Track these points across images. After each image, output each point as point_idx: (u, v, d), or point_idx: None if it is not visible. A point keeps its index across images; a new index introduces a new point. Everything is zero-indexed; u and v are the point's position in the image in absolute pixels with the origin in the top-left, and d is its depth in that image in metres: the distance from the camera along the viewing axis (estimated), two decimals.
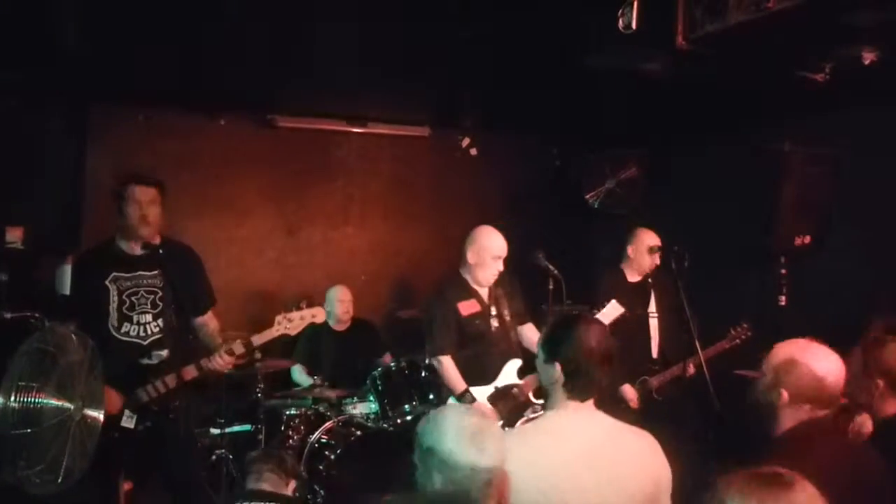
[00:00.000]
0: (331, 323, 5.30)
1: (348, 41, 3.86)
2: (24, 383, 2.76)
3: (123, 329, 3.65)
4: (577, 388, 2.17)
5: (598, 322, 2.31)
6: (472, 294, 4.13)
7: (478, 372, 4.04)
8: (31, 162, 3.96)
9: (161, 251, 3.66)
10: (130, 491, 3.73)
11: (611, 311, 4.07)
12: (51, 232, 4.13)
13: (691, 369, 4.12)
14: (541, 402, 3.99)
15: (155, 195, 3.69)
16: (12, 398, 2.73)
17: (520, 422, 4.00)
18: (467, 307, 4.08)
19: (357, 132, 5.88)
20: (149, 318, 3.70)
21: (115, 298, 3.64)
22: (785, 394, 2.27)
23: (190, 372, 3.55)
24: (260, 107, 5.51)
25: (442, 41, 3.83)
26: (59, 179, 4.11)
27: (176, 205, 5.29)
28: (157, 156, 5.20)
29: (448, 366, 4.01)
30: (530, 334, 4.30)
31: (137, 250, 3.67)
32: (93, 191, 4.70)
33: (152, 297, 3.71)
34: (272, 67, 4.34)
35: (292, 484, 3.13)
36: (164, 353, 3.69)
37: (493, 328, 4.13)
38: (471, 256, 4.08)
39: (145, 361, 3.67)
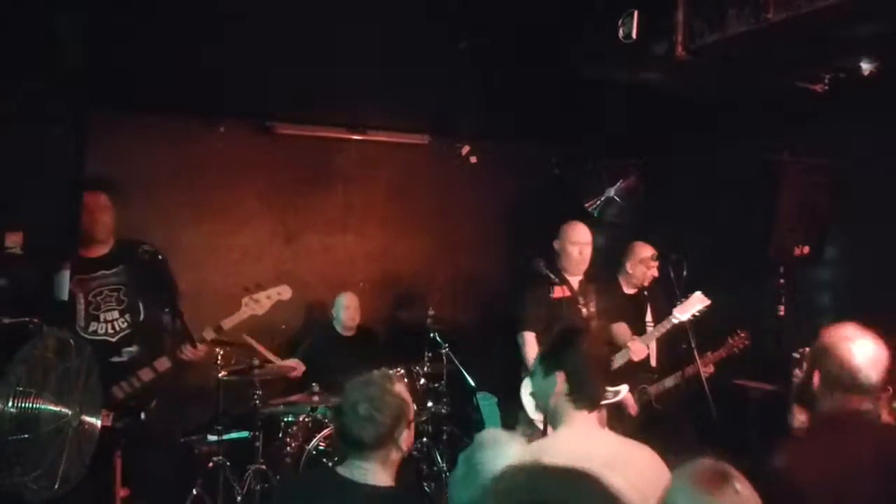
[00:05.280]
0: (338, 329, 5.33)
1: (348, 48, 3.87)
2: (21, 389, 2.75)
3: (91, 328, 3.70)
4: (582, 398, 2.16)
5: (596, 333, 2.32)
6: (564, 281, 4.46)
7: None
8: (30, 167, 3.97)
9: (118, 250, 3.80)
10: (127, 497, 3.71)
11: (695, 303, 4.14)
12: (50, 237, 4.14)
13: (710, 369, 4.26)
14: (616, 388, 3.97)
15: (105, 200, 3.82)
16: (10, 404, 2.71)
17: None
18: (559, 291, 4.39)
19: (356, 139, 5.88)
20: (115, 314, 3.74)
21: (82, 300, 3.71)
22: (816, 377, 2.23)
23: (163, 363, 3.63)
24: (259, 113, 5.50)
25: (441, 48, 3.84)
26: (59, 184, 4.12)
27: (174, 211, 5.33)
28: (156, 162, 5.21)
29: (530, 342, 4.25)
30: (621, 332, 4.47)
31: (95, 253, 3.79)
32: None
33: (116, 293, 3.77)
34: (271, 74, 4.34)
35: None
36: (134, 349, 3.74)
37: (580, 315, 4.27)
38: (556, 244, 4.54)
39: (116, 359, 3.69)
